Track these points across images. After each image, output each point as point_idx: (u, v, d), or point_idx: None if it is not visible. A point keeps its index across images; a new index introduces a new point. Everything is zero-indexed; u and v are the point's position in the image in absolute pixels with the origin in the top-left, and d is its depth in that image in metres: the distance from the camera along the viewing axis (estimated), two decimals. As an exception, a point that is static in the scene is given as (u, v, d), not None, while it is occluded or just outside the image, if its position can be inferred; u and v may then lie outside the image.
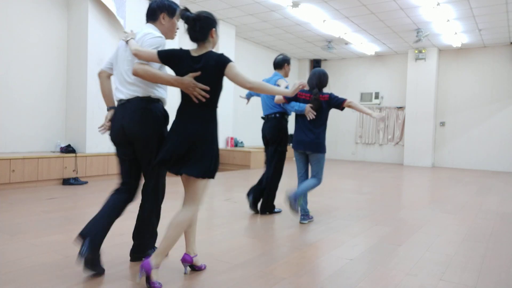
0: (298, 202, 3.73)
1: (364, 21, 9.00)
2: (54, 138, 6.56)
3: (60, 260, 2.60)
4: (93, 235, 2.25)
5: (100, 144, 6.58)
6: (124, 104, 2.42)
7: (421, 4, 7.72)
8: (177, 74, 2.26)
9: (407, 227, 3.91)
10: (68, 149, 6.25)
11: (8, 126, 5.98)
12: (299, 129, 3.88)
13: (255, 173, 8.26)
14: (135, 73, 2.26)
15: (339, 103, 3.77)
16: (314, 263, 2.72)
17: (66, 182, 5.92)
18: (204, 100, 2.21)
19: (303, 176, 3.99)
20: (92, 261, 2.26)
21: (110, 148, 6.75)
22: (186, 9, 2.25)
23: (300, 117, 3.89)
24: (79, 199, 4.86)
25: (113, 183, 6.27)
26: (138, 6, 7.04)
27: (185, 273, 2.42)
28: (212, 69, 2.21)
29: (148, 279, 2.12)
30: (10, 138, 6.02)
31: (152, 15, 2.54)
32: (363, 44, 11.04)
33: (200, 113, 2.23)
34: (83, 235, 2.24)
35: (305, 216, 3.97)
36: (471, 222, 4.22)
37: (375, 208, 4.81)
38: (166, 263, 2.60)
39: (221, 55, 2.25)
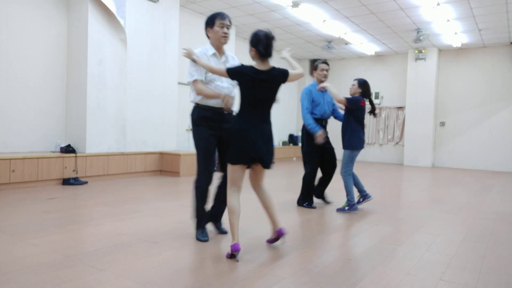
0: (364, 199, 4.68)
1: (364, 21, 9.00)
2: (54, 138, 6.56)
3: (60, 260, 2.60)
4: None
5: (100, 144, 6.58)
6: None
7: (421, 4, 7.72)
8: (241, 84, 2.80)
9: (407, 227, 3.92)
10: (68, 149, 6.25)
11: (8, 126, 5.98)
12: (359, 130, 4.41)
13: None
14: (199, 92, 3.02)
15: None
16: (314, 263, 2.72)
17: (66, 182, 5.92)
18: (230, 109, 3.04)
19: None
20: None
21: (110, 148, 6.75)
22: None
23: (355, 119, 4.39)
24: (79, 199, 4.86)
25: (113, 183, 6.30)
26: (138, 6, 7.05)
27: (280, 243, 3.06)
28: (277, 81, 2.82)
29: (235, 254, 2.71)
30: (10, 138, 6.02)
31: (206, 35, 3.15)
32: (363, 44, 11.04)
33: (268, 117, 2.88)
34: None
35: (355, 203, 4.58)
36: (471, 222, 4.22)
37: (375, 208, 4.81)
38: (162, 259, 2.60)
39: (284, 69, 2.89)
